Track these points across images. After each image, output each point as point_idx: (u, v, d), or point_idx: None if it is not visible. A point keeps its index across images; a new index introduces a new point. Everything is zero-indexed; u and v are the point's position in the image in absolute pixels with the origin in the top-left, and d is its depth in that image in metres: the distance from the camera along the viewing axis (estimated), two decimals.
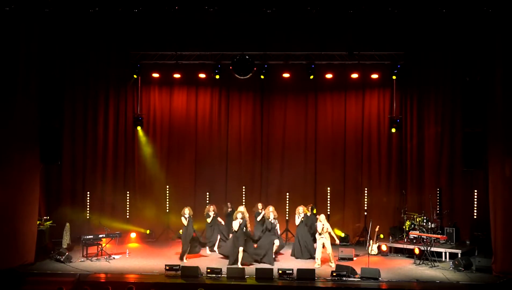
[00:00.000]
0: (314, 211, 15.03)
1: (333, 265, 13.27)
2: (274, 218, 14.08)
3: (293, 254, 14.68)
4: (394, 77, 15.81)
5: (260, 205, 15.08)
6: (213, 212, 15.06)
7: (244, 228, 13.60)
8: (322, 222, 13.58)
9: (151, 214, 17.08)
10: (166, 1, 14.05)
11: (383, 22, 14.99)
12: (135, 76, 16.38)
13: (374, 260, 13.99)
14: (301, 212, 14.56)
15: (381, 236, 15.74)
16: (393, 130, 16.16)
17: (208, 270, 12.59)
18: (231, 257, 13.56)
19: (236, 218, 13.62)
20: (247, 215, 14.12)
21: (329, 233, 13.65)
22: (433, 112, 16.26)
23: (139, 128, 16.75)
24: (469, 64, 15.11)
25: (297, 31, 15.74)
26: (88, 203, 16.68)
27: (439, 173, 16.22)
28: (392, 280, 12.49)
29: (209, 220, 14.98)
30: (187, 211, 14.24)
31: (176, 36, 15.96)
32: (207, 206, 15.40)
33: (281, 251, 14.80)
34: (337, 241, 14.22)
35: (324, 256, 13.80)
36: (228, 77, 16.15)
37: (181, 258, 14.02)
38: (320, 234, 13.54)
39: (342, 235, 16.15)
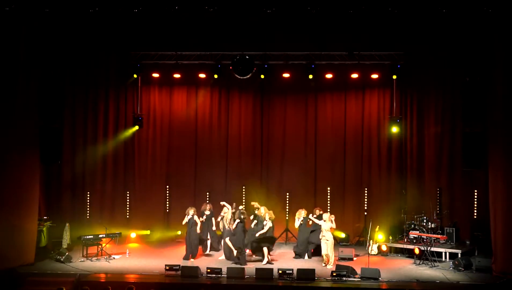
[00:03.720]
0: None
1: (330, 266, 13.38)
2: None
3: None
4: (394, 77, 15.76)
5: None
6: (209, 211, 14.98)
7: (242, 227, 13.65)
8: (324, 220, 13.60)
9: (151, 214, 17.09)
10: (166, 1, 14.04)
11: (383, 22, 14.97)
12: (135, 76, 16.37)
13: (374, 260, 13.99)
14: (302, 215, 14.58)
15: (382, 238, 15.52)
16: (396, 129, 16.06)
17: (208, 270, 12.60)
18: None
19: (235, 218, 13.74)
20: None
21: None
22: (433, 112, 16.26)
23: (136, 127, 16.70)
24: (469, 64, 15.11)
25: (297, 31, 15.71)
26: (88, 203, 16.70)
27: (439, 173, 16.22)
28: (392, 280, 12.48)
29: (203, 218, 14.88)
30: (191, 211, 14.23)
31: (176, 36, 15.94)
32: (203, 205, 15.31)
33: (281, 251, 14.81)
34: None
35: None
36: (228, 77, 16.15)
37: (186, 258, 14.06)
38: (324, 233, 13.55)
39: (342, 235, 16.14)
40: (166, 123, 17.53)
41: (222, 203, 14.66)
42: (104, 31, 16.00)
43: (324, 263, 13.51)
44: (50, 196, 16.18)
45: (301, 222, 14.45)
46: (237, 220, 13.71)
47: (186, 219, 14.23)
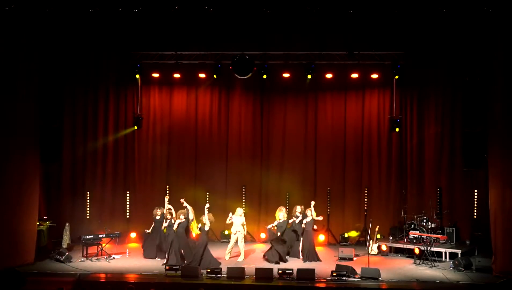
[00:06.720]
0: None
1: (241, 260, 14.06)
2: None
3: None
4: (396, 77, 15.75)
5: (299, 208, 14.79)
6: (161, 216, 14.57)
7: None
8: (240, 215, 14.29)
9: (151, 214, 17.04)
10: (166, 1, 14.05)
11: (383, 22, 14.97)
12: (137, 76, 16.37)
13: (374, 260, 13.99)
14: (298, 212, 14.63)
15: (378, 236, 15.46)
16: (397, 129, 16.00)
17: (208, 270, 12.61)
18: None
19: (179, 218, 13.63)
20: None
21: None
22: (433, 112, 16.27)
23: (135, 127, 16.68)
24: (469, 64, 15.13)
25: (297, 31, 15.72)
26: (88, 203, 16.70)
27: (439, 173, 16.24)
28: (392, 280, 12.48)
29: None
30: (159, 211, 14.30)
31: (176, 36, 15.96)
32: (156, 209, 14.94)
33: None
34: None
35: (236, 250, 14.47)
36: (228, 77, 16.16)
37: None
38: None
39: (346, 235, 16.24)
40: (166, 123, 17.53)
41: (182, 200, 14.08)
42: (104, 31, 16.00)
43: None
44: (50, 196, 16.20)
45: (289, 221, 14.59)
46: (178, 221, 13.65)
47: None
